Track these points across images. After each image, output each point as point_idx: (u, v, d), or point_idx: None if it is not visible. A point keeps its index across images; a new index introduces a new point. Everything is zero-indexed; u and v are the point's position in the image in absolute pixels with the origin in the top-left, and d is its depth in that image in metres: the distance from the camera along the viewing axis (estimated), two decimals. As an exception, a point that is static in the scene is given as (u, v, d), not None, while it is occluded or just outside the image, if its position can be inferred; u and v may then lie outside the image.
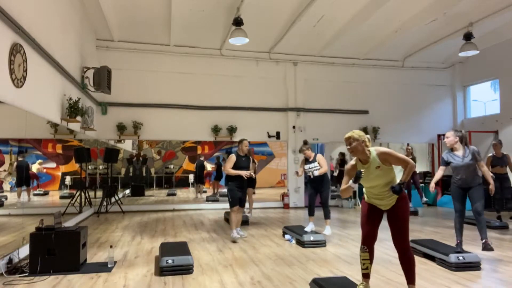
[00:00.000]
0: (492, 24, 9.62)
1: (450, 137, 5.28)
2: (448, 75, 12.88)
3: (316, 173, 6.78)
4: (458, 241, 5.32)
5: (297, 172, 7.32)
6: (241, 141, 6.60)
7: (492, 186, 5.39)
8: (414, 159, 10.24)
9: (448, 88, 12.90)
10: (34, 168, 7.92)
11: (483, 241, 5.48)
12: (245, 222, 8.16)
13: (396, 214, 3.46)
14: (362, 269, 3.65)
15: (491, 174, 5.59)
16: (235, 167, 6.43)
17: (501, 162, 7.91)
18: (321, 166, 6.84)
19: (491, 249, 5.40)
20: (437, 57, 12.17)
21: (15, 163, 7.18)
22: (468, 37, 9.42)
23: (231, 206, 6.44)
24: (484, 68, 11.87)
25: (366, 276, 3.65)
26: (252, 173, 6.76)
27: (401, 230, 3.44)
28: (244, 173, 6.36)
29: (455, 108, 12.83)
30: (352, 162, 3.59)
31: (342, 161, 12.94)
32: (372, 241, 3.59)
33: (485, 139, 11.52)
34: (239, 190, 6.49)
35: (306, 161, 7.06)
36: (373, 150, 3.44)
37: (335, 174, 12.97)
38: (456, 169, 5.35)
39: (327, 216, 7.00)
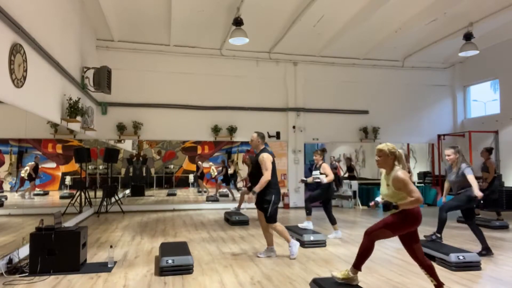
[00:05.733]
0: (492, 24, 9.62)
1: (451, 155, 5.51)
2: (448, 75, 12.87)
3: (325, 180, 6.69)
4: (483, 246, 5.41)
5: (304, 180, 7.29)
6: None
7: (477, 192, 5.33)
8: (407, 157, 10.36)
9: (448, 88, 12.90)
10: (23, 171, 7.85)
11: (484, 247, 5.44)
12: (245, 222, 8.16)
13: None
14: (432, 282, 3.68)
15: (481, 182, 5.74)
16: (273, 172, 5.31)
17: (485, 168, 8.20)
18: (326, 174, 6.74)
19: (486, 254, 5.35)
20: (437, 57, 12.17)
21: (33, 163, 7.95)
22: (468, 37, 9.42)
23: (274, 222, 5.26)
24: (484, 68, 11.86)
25: (438, 286, 3.61)
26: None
27: (375, 224, 3.55)
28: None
29: (455, 108, 12.83)
30: (382, 170, 3.72)
31: (349, 167, 13.01)
32: (416, 259, 3.61)
33: (485, 139, 11.52)
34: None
35: (314, 166, 7.05)
36: (395, 170, 3.49)
37: (345, 175, 12.97)
38: (451, 183, 5.67)
39: (334, 222, 6.87)
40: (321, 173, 6.79)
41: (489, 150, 8.23)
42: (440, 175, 12.28)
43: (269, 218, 5.19)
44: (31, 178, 8.57)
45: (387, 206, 3.48)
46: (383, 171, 3.65)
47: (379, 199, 3.73)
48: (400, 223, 3.46)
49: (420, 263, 3.55)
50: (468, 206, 5.43)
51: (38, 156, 8.53)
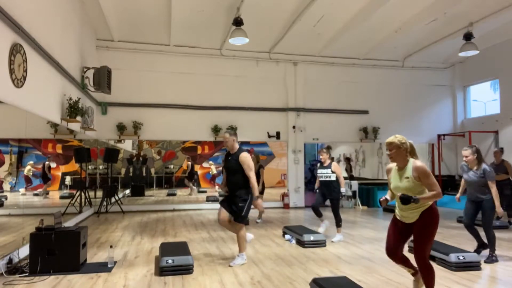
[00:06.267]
0: (492, 24, 9.61)
1: (469, 156, 5.32)
2: (448, 75, 12.87)
3: (343, 190, 6.60)
4: (479, 243, 5.35)
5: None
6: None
7: (498, 209, 5.29)
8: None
9: (448, 88, 12.90)
10: (26, 170, 7.89)
11: (490, 253, 5.42)
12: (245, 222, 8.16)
13: (417, 228, 3.34)
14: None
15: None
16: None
17: (500, 170, 8.00)
18: (338, 176, 6.59)
19: (494, 261, 5.32)
20: (437, 57, 12.17)
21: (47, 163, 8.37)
22: (468, 37, 9.41)
23: (243, 222, 5.08)
24: (484, 68, 11.86)
25: (413, 274, 3.63)
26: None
27: (417, 244, 3.33)
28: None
29: (455, 108, 12.84)
30: (390, 165, 3.55)
31: (349, 166, 13.03)
32: (395, 256, 3.51)
33: (485, 139, 11.52)
34: None
35: (321, 165, 6.81)
36: (412, 161, 3.34)
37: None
38: (467, 183, 5.49)
39: (338, 224, 6.70)
40: (332, 172, 6.59)
41: (502, 151, 8.16)
42: (440, 175, 12.29)
43: (242, 217, 4.94)
44: (45, 178, 8.73)
45: (407, 199, 3.21)
46: (393, 167, 3.49)
47: (387, 196, 3.55)
48: (435, 225, 3.33)
49: (400, 259, 3.54)
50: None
51: (50, 156, 8.75)
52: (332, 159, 6.87)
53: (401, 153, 3.36)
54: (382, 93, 12.33)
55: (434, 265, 4.88)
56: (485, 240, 5.37)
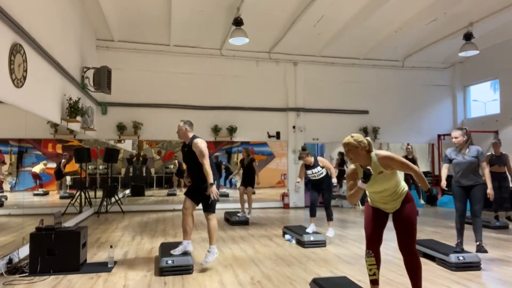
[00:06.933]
0: (492, 24, 9.61)
1: (459, 137, 5.24)
2: (448, 75, 12.88)
3: (334, 181, 6.60)
4: (458, 241, 5.29)
5: (297, 184, 6.86)
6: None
7: (490, 190, 5.32)
8: (414, 158, 10.25)
9: (448, 88, 12.90)
10: (38, 168, 7.99)
11: (477, 243, 5.41)
12: (245, 222, 8.17)
13: (401, 216, 3.27)
14: (369, 275, 3.44)
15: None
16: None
17: (500, 161, 7.96)
18: (328, 168, 6.62)
19: (485, 251, 5.32)
20: (437, 57, 12.17)
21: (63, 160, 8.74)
22: (468, 37, 9.41)
23: (214, 212, 4.97)
24: (484, 68, 11.87)
25: (374, 282, 3.44)
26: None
27: (405, 233, 3.26)
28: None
29: (455, 108, 12.84)
30: (352, 166, 3.36)
31: (341, 160, 12.96)
32: (377, 245, 3.42)
33: (485, 139, 11.52)
34: None
35: (307, 167, 6.69)
36: (374, 155, 3.21)
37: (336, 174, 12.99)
38: (458, 166, 5.32)
39: (329, 217, 6.77)
40: (321, 167, 6.58)
41: (500, 142, 8.08)
42: (440, 175, 12.26)
43: (210, 205, 4.79)
44: (60, 175, 8.88)
45: (366, 174, 3.07)
46: (358, 169, 3.28)
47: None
48: (415, 211, 3.32)
49: (378, 252, 3.44)
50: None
51: (66, 154, 8.97)
52: (314, 155, 6.77)
53: (360, 152, 3.19)
54: (382, 93, 12.33)
55: (434, 265, 4.91)
56: (472, 232, 5.38)
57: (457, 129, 5.36)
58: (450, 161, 5.41)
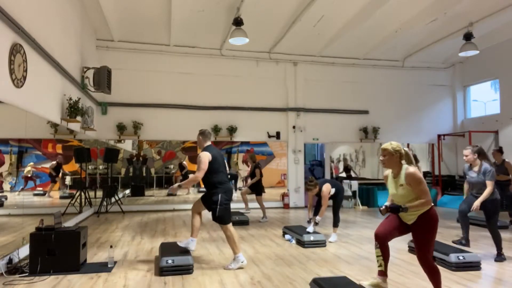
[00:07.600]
0: (492, 24, 9.62)
1: (469, 155, 5.39)
2: (448, 75, 12.88)
3: (318, 219, 6.35)
4: (463, 236, 5.33)
5: (311, 220, 6.49)
6: None
7: (478, 202, 5.23)
8: (415, 157, 10.21)
9: (448, 88, 12.90)
10: (26, 171, 7.95)
11: (498, 252, 5.36)
12: (245, 222, 8.17)
13: (416, 231, 3.40)
14: (377, 266, 3.61)
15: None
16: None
17: (502, 170, 7.94)
18: (322, 203, 6.35)
19: (503, 259, 5.30)
20: (437, 57, 12.17)
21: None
22: (468, 37, 9.42)
23: (226, 223, 4.92)
24: (484, 68, 11.86)
25: (380, 273, 3.58)
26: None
27: (417, 247, 3.40)
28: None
29: (455, 108, 12.83)
30: (386, 172, 3.62)
31: (346, 167, 13.05)
32: (384, 239, 3.51)
33: (485, 139, 11.52)
34: None
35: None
36: (405, 168, 3.39)
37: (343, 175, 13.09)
38: (471, 184, 5.53)
39: (335, 224, 6.61)
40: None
41: (500, 151, 8.09)
42: (440, 175, 12.29)
43: (219, 218, 4.84)
44: (52, 177, 8.87)
45: (396, 209, 3.33)
46: (389, 175, 3.54)
47: (387, 203, 3.57)
48: (434, 229, 3.37)
49: (386, 248, 3.54)
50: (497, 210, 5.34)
51: (60, 156, 8.93)
52: (320, 184, 6.51)
53: (393, 160, 3.42)
54: (382, 93, 12.33)
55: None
56: (492, 242, 5.36)
57: (467, 148, 5.50)
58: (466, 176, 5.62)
